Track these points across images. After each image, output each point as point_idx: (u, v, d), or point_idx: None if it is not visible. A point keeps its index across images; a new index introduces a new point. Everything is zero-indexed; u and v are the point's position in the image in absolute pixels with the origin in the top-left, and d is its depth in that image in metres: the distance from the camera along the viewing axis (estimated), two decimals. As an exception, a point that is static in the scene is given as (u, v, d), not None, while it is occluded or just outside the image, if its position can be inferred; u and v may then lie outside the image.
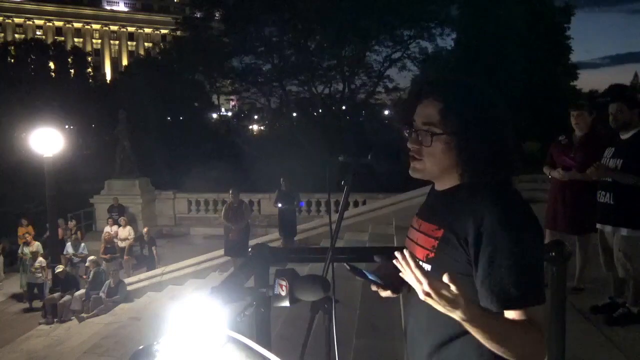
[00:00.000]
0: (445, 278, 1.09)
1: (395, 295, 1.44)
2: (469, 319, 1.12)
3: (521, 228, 1.19)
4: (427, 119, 1.28)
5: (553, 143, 4.58)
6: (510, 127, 1.29)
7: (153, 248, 12.24)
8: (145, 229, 12.69)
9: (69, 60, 41.78)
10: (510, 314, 1.18)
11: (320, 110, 33.31)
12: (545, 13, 26.16)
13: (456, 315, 1.12)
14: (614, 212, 3.66)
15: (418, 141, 1.30)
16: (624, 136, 3.71)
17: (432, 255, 1.28)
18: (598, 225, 3.86)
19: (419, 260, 1.31)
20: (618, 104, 3.68)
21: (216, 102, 40.99)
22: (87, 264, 10.63)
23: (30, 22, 68.12)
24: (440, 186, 1.35)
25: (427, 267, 1.29)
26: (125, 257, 12.11)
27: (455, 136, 1.25)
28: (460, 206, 1.25)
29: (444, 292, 1.10)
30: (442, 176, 1.32)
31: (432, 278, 1.11)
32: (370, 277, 1.34)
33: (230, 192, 10.13)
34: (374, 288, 1.40)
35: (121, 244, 12.24)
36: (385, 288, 1.41)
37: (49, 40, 52.60)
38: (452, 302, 1.10)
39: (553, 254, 2.33)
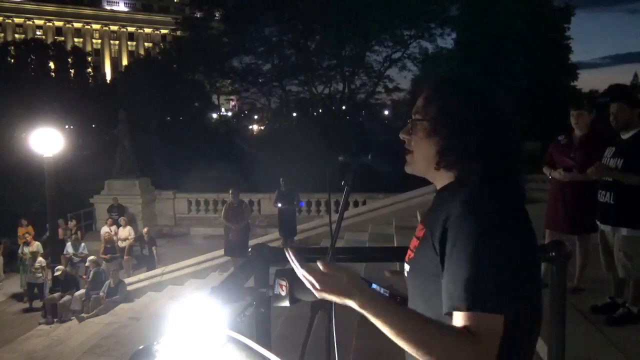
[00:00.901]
0: (320, 266, 1.12)
1: None
2: (362, 304, 1.09)
3: (485, 224, 1.07)
4: (416, 109, 1.28)
5: (552, 143, 4.57)
6: (508, 126, 1.22)
7: (153, 248, 12.24)
8: (145, 229, 12.69)
9: (69, 60, 41.77)
10: (454, 318, 1.05)
11: (320, 110, 33.33)
12: (545, 13, 26.18)
13: (353, 302, 1.10)
14: (614, 211, 3.66)
15: (407, 131, 1.29)
16: (625, 136, 3.71)
17: (412, 255, 1.26)
18: (599, 225, 3.86)
19: (404, 262, 1.31)
20: (619, 104, 3.68)
21: (216, 102, 41.00)
22: (87, 264, 10.63)
23: (30, 22, 68.10)
24: (437, 185, 1.33)
25: (407, 267, 1.28)
26: (125, 257, 12.11)
27: (431, 122, 1.22)
28: (441, 204, 1.19)
29: (331, 279, 1.11)
30: (428, 171, 1.27)
31: (316, 272, 1.13)
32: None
33: (230, 192, 10.14)
34: None
35: (121, 244, 12.24)
36: None
37: (49, 40, 52.59)
38: (342, 290, 1.10)
39: (553, 254, 2.32)
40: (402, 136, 1.30)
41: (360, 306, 1.09)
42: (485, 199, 1.12)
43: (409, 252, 1.30)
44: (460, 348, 1.01)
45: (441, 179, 1.26)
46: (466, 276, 1.04)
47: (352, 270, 1.15)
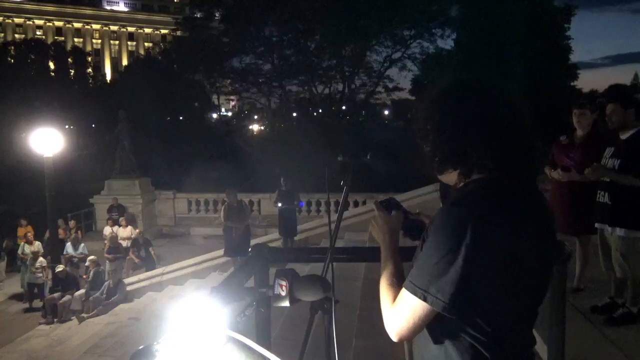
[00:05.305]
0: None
1: None
2: (384, 245, 1.38)
3: (443, 226, 1.15)
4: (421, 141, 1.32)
5: (555, 143, 4.55)
6: (490, 120, 1.22)
7: (150, 249, 12.20)
8: (137, 231, 12.58)
9: (69, 60, 41.81)
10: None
11: (320, 110, 33.35)
12: (545, 13, 26.17)
13: (382, 238, 1.40)
14: (611, 212, 3.65)
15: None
16: (623, 136, 3.70)
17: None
18: (597, 225, 3.86)
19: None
20: (613, 104, 3.67)
21: (216, 102, 41.03)
22: (87, 263, 10.63)
23: (30, 22, 68.12)
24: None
25: None
26: (129, 256, 12.07)
27: (422, 142, 1.28)
28: None
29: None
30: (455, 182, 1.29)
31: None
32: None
33: (226, 192, 10.17)
34: None
35: (124, 244, 12.22)
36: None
37: (49, 40, 52.69)
38: (381, 227, 1.43)
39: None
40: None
41: (382, 244, 1.40)
42: (460, 200, 1.19)
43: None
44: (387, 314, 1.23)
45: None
46: (421, 262, 1.18)
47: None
